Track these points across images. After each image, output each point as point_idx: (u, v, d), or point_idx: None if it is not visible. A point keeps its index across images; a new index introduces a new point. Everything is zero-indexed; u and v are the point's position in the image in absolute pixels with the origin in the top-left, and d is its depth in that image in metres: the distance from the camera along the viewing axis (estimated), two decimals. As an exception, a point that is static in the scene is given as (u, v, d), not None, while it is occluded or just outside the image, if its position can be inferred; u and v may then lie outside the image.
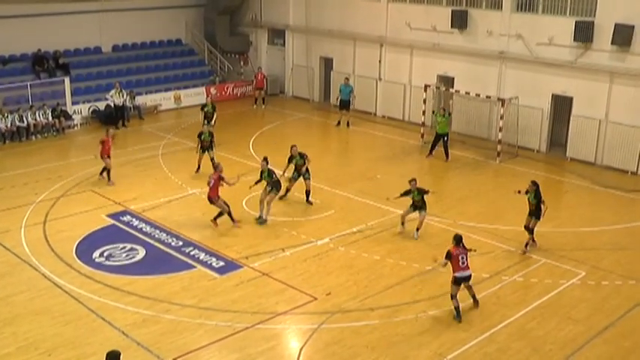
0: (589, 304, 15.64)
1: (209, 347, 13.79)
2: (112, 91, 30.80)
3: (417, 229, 19.11)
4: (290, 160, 21.40)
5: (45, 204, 21.16)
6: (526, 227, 18.36)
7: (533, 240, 18.39)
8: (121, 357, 10.82)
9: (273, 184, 20.02)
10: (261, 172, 20.11)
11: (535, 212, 18.15)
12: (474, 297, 15.37)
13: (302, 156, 21.31)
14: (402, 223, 19.42)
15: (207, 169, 22.96)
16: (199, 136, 24.14)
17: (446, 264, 15.05)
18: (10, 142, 28.00)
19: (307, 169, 21.32)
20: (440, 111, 26.27)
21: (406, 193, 19.19)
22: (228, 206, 19.50)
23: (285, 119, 32.49)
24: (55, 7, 32.67)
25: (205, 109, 27.60)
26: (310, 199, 21.45)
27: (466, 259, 14.92)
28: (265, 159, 20.20)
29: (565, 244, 18.76)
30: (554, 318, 14.97)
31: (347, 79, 31.60)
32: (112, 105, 30.71)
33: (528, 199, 18.27)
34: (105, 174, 23.00)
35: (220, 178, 19.38)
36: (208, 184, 19.37)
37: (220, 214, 19.46)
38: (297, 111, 33.79)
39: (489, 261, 17.71)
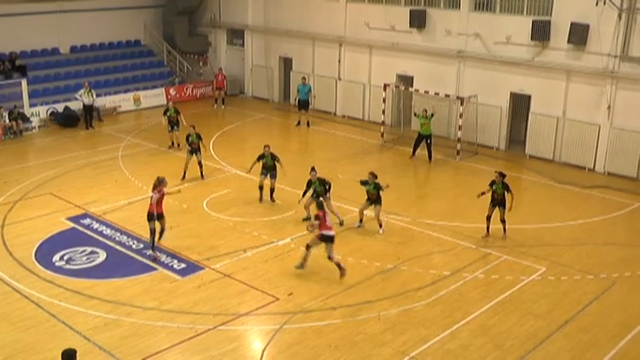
0: (549, 299, 15.88)
1: (171, 350, 13.69)
2: (81, 91, 30.47)
3: (380, 226, 19.23)
4: (260, 159, 21.38)
5: (2, 208, 20.81)
6: (488, 217, 18.81)
7: (505, 230, 18.92)
8: (77, 355, 10.50)
9: (326, 191, 19.67)
10: (309, 182, 19.61)
11: (502, 202, 18.47)
12: (338, 265, 16.54)
13: (273, 157, 21.31)
14: (361, 220, 19.62)
15: (192, 173, 22.93)
16: (187, 138, 23.51)
17: (316, 225, 16.37)
18: (-34, 146, 27.52)
19: (275, 169, 21.36)
20: (422, 112, 26.17)
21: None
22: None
23: (245, 120, 32.39)
24: (11, 7, 32.13)
25: (168, 114, 27.07)
26: (274, 197, 21.46)
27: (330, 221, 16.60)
28: (313, 168, 19.79)
29: (525, 240, 19.02)
30: (516, 313, 15.17)
31: (304, 78, 31.63)
32: (82, 105, 30.41)
33: (495, 190, 18.52)
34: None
35: (163, 194, 17.89)
36: (151, 198, 17.77)
37: (162, 232, 18.12)
38: (257, 111, 33.73)
39: (450, 258, 17.88)
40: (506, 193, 18.67)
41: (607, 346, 14.03)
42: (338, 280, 16.50)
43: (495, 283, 16.57)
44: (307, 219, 19.49)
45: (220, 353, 13.56)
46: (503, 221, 18.89)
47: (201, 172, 23.53)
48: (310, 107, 31.36)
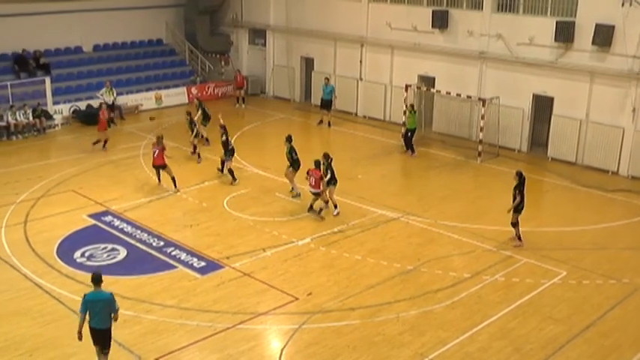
0: (570, 303, 15.72)
1: (190, 348, 13.73)
2: (103, 90, 30.85)
3: (334, 207, 20.56)
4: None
5: (25, 204, 21.00)
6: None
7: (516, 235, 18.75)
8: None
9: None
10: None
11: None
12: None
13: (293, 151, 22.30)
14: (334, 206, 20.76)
15: (210, 175, 22.95)
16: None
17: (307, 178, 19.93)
18: (-10, 142, 27.84)
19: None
20: (408, 107, 26.72)
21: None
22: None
23: (266, 119, 32.42)
24: (35, 6, 32.39)
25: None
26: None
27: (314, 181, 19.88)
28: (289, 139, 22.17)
29: (546, 243, 18.85)
30: (536, 317, 15.03)
31: (327, 79, 31.66)
32: (104, 103, 30.62)
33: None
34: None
35: (164, 149, 22.03)
36: (154, 153, 22.03)
37: (173, 179, 21.94)
38: (278, 111, 33.75)
39: (470, 260, 17.77)
40: (516, 192, 18.39)
41: (629, 352, 13.86)
42: (357, 281, 16.48)
43: (515, 286, 16.45)
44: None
45: (238, 352, 13.57)
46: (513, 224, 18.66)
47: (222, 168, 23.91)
48: (332, 108, 31.36)
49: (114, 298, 12.22)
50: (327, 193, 20.40)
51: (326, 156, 20.63)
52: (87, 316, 12.00)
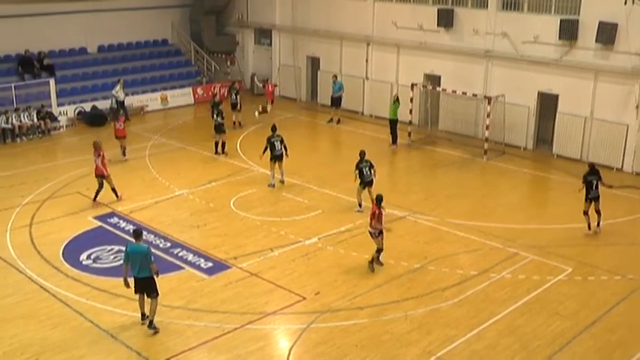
0: (576, 299, 15.72)
1: (198, 348, 13.76)
2: (117, 87, 31.09)
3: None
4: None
5: (31, 206, 21.06)
6: (585, 212, 19.23)
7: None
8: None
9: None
10: (269, 138, 22.75)
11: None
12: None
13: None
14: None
15: (214, 175, 23.02)
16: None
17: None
18: (-5, 145, 27.94)
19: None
20: (393, 98, 27.55)
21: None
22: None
23: (273, 119, 32.25)
24: (39, 7, 32.42)
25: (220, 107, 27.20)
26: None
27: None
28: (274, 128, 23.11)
29: (552, 240, 18.84)
30: (542, 314, 15.04)
31: (335, 76, 31.86)
32: (115, 101, 31.11)
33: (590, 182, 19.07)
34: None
35: (103, 156, 21.16)
36: (96, 161, 21.13)
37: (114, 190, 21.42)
38: (285, 110, 33.72)
39: (477, 258, 17.78)
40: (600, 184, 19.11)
41: (635, 347, 13.86)
42: (365, 280, 16.49)
43: (522, 283, 16.44)
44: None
45: (247, 352, 13.59)
46: (598, 212, 19.23)
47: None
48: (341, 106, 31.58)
49: (150, 251, 14.06)
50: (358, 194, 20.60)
51: (362, 154, 20.75)
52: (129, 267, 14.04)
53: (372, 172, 20.54)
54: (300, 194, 21.88)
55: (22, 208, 20.93)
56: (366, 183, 20.45)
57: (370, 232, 16.96)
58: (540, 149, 27.35)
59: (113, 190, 21.45)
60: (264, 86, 33.63)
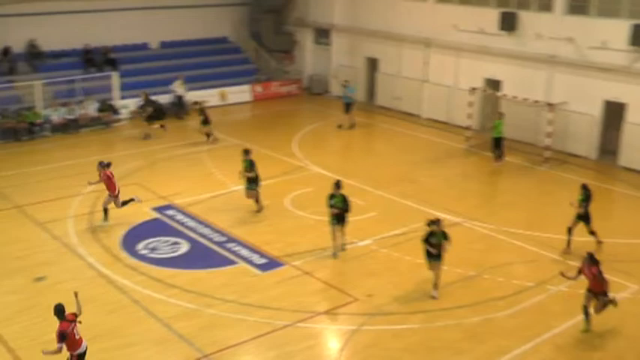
0: (638, 319, 15.22)
1: (248, 343, 13.82)
2: (176, 82, 31.58)
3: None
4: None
5: (92, 195, 21.41)
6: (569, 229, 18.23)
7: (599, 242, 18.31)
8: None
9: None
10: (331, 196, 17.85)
11: (585, 216, 18.02)
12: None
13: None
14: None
15: (275, 171, 23.05)
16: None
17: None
18: (60, 134, 28.52)
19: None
20: (497, 115, 26.59)
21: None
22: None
23: (329, 119, 32.33)
24: (104, 4, 33.25)
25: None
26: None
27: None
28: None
29: (615, 255, 18.15)
30: (601, 332, 14.58)
31: (347, 81, 31.47)
32: (175, 96, 31.74)
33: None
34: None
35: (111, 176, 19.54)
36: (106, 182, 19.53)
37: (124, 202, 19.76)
38: (341, 111, 33.60)
39: (534, 269, 17.40)
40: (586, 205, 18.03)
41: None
42: (418, 284, 16.31)
43: (580, 298, 15.93)
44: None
45: (296, 350, 13.58)
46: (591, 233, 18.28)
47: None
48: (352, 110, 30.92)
49: None
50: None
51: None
52: None
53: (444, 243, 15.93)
54: (355, 195, 21.73)
55: (83, 197, 21.34)
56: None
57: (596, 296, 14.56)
58: (604, 160, 26.60)
59: (105, 210, 19.58)
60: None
